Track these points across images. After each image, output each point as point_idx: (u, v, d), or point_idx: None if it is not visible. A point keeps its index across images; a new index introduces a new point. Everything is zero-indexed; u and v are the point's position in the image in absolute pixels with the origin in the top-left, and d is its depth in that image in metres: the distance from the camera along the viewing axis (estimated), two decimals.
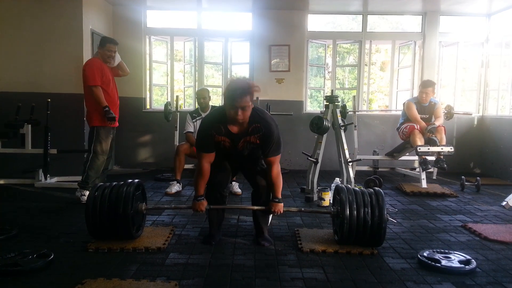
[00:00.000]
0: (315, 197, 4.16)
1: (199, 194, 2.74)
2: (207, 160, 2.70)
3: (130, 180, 2.84)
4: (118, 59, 4.18)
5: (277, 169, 2.71)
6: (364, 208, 2.65)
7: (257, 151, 2.74)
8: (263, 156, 2.72)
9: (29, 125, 4.71)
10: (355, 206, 2.66)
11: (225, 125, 2.61)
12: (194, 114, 4.85)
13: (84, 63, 4.97)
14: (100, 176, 4.10)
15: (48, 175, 4.77)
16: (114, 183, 2.83)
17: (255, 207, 2.85)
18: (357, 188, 2.85)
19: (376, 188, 2.83)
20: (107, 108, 3.91)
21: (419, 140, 4.66)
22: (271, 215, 2.93)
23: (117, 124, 4.13)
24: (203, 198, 2.76)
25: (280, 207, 2.75)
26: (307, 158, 4.36)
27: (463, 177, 4.97)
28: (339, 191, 2.82)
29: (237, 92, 2.46)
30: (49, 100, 4.69)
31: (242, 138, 2.65)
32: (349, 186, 2.87)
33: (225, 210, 3.02)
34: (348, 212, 2.64)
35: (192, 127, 4.80)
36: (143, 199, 2.94)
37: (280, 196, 2.76)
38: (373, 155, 5.72)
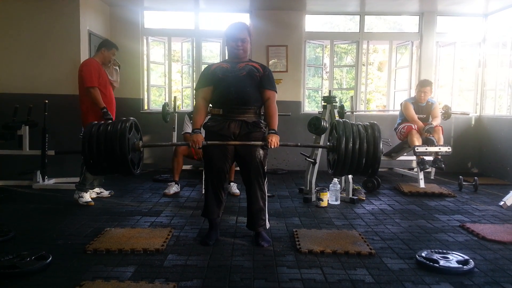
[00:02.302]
0: (313, 198, 4.16)
1: (196, 127, 2.82)
2: (202, 97, 2.85)
3: (124, 118, 2.75)
4: (117, 73, 4.26)
5: (273, 104, 2.85)
6: (359, 138, 2.65)
7: (257, 86, 2.81)
8: (262, 87, 2.83)
9: (27, 127, 4.69)
10: (351, 139, 2.64)
11: (226, 62, 2.90)
12: (192, 115, 4.83)
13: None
14: (98, 178, 4.09)
15: (46, 177, 4.76)
16: (109, 121, 2.75)
17: (252, 142, 2.78)
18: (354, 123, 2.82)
19: (372, 121, 2.81)
20: (105, 110, 3.90)
21: (417, 140, 4.67)
22: (267, 210, 2.94)
23: None
24: (199, 131, 2.80)
25: (277, 138, 2.75)
26: (305, 159, 4.37)
27: (460, 177, 4.98)
28: (335, 126, 2.81)
29: (236, 26, 2.84)
30: (47, 101, 4.68)
31: (243, 66, 2.83)
32: (346, 120, 2.85)
33: (223, 206, 2.99)
34: (344, 145, 2.63)
35: (190, 128, 4.79)
36: (139, 138, 2.85)
37: (276, 129, 2.81)
38: None
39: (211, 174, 2.86)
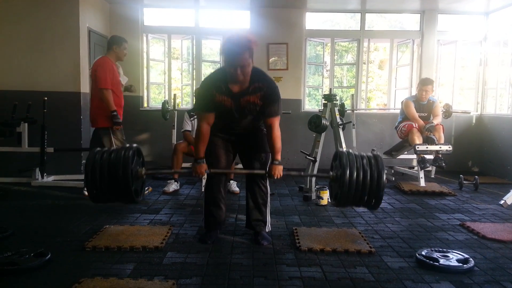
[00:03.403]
0: (313, 196, 4.15)
1: (199, 157, 2.70)
2: (207, 121, 2.66)
3: (128, 145, 2.76)
4: (125, 79, 4.25)
5: (277, 131, 2.67)
6: (363, 170, 2.63)
7: (257, 118, 2.72)
8: (264, 116, 2.67)
9: (26, 124, 4.68)
10: (355, 169, 2.63)
11: (226, 84, 2.57)
12: (192, 112, 4.83)
13: (79, 62, 4.99)
14: None
15: (45, 174, 4.75)
16: (112, 148, 2.76)
17: (255, 171, 2.79)
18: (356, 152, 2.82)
19: (375, 152, 2.80)
20: (115, 113, 3.88)
21: (418, 139, 4.66)
22: (269, 213, 2.92)
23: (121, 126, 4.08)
24: (203, 161, 2.72)
25: (280, 169, 2.71)
26: (306, 157, 4.36)
27: (461, 175, 4.97)
28: (338, 156, 2.79)
29: (235, 50, 2.40)
30: (46, 98, 4.66)
31: (242, 97, 2.59)
32: (349, 150, 2.84)
33: (226, 209, 3.00)
34: (348, 175, 2.60)
35: (190, 125, 4.78)
36: (142, 165, 2.86)
37: (279, 159, 2.71)
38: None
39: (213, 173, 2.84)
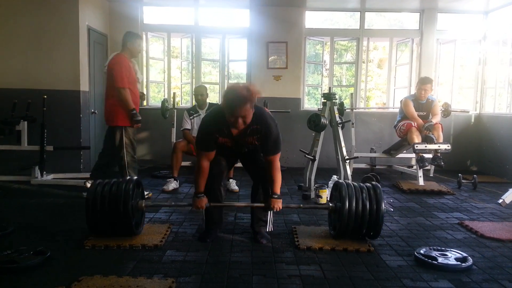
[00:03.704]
0: (313, 195, 4.16)
1: (199, 191, 2.75)
2: (207, 159, 2.72)
3: (128, 177, 2.83)
4: (141, 76, 4.22)
5: (276, 166, 2.71)
6: (362, 202, 2.69)
7: (257, 149, 2.78)
8: (263, 154, 2.75)
9: (25, 122, 4.67)
10: (354, 201, 2.69)
11: (227, 127, 2.59)
12: (191, 111, 4.83)
13: (79, 60, 4.97)
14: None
15: (45, 172, 4.75)
16: (114, 180, 2.82)
17: (255, 205, 2.86)
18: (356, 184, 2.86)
19: (374, 183, 2.86)
20: (134, 111, 3.83)
21: (417, 138, 4.66)
22: (272, 213, 2.92)
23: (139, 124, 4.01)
24: (203, 195, 2.76)
25: (279, 203, 2.75)
26: (305, 156, 4.36)
27: (460, 174, 4.98)
28: (338, 187, 2.84)
29: (236, 102, 2.40)
30: (45, 96, 4.66)
31: (242, 138, 2.67)
32: (348, 181, 2.88)
33: (223, 209, 3.01)
34: (347, 207, 2.67)
35: (189, 124, 4.79)
36: (142, 196, 2.94)
37: (279, 192, 2.76)
38: (370, 152, 5.74)
39: (213, 170, 2.84)
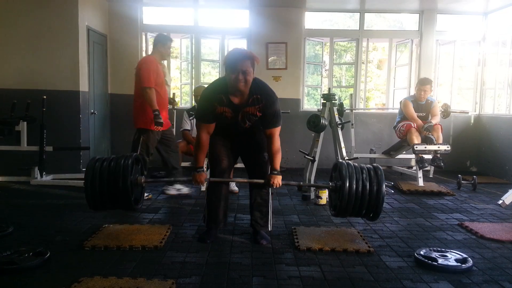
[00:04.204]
0: (312, 195, 4.15)
1: (198, 165, 2.74)
2: (206, 131, 2.71)
3: (127, 154, 2.79)
4: (170, 79, 4.20)
5: (277, 142, 2.70)
6: (362, 182, 2.65)
7: (258, 124, 2.74)
8: (263, 127, 2.72)
9: (25, 122, 4.67)
10: (354, 180, 2.65)
11: (227, 96, 2.60)
12: (191, 111, 4.83)
13: (78, 60, 4.97)
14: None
15: (44, 173, 4.74)
16: (112, 156, 2.79)
17: (254, 180, 2.81)
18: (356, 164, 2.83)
19: (375, 164, 2.83)
20: (157, 112, 3.74)
21: (416, 139, 4.67)
22: (272, 212, 2.93)
23: (164, 127, 3.92)
24: (202, 169, 2.76)
25: (279, 179, 2.74)
26: (304, 156, 4.36)
27: (459, 175, 4.98)
28: (337, 167, 2.81)
29: (238, 57, 2.50)
30: (45, 97, 4.66)
31: (242, 109, 2.63)
32: (348, 161, 2.85)
33: (228, 210, 3.02)
34: (347, 186, 2.63)
35: (189, 124, 4.79)
36: (141, 173, 2.90)
37: (278, 169, 2.74)
38: (370, 153, 5.74)
39: (215, 171, 2.85)
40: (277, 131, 2.70)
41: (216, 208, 2.88)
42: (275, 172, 2.73)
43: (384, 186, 2.66)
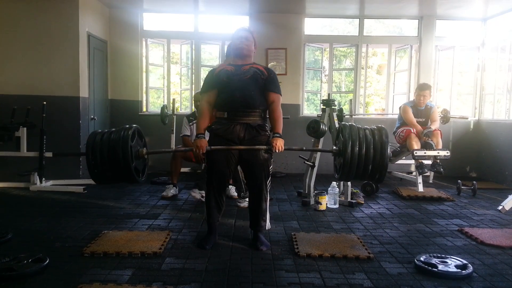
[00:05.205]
0: (312, 201, 4.15)
1: (199, 132, 2.80)
2: (207, 100, 2.84)
3: (127, 126, 2.78)
4: None
5: (278, 109, 2.84)
6: (366, 144, 2.62)
7: (261, 87, 2.80)
8: (267, 90, 2.81)
9: (25, 128, 4.67)
10: (357, 141, 2.63)
11: (230, 60, 2.89)
12: (191, 117, 4.82)
13: (78, 66, 4.98)
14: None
15: (44, 179, 4.74)
16: (113, 129, 2.80)
17: (256, 147, 2.77)
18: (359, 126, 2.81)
19: (380, 125, 2.81)
20: None
21: (416, 144, 4.67)
22: (268, 210, 2.93)
23: None
24: (203, 135, 2.79)
25: (281, 142, 2.77)
26: (304, 162, 4.36)
27: (459, 181, 4.98)
28: (341, 129, 2.80)
29: (240, 29, 2.92)
30: (45, 103, 4.67)
31: (245, 65, 2.84)
32: (352, 124, 2.84)
33: (222, 212, 3.00)
34: (350, 148, 2.61)
35: (188, 130, 4.78)
36: (143, 145, 2.89)
37: (280, 132, 2.81)
38: None
39: (213, 177, 2.85)
40: (279, 98, 2.85)
41: (212, 207, 2.89)
42: (277, 135, 2.78)
43: (388, 147, 2.64)
